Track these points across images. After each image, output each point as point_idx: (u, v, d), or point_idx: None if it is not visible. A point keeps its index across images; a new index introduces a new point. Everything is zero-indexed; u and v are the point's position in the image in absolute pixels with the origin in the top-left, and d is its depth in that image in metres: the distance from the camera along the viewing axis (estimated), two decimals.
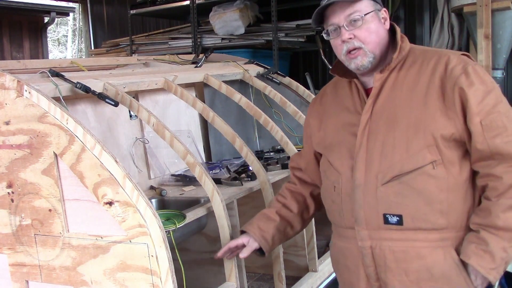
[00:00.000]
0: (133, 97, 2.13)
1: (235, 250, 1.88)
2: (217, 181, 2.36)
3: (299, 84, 3.29)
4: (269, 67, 3.24)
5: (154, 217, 1.54)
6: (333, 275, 2.41)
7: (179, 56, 3.32)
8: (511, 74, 4.51)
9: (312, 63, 5.69)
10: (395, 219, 1.54)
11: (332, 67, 1.75)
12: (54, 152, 1.66)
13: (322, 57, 5.24)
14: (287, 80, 3.27)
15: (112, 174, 1.56)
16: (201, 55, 3.16)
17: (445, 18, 4.41)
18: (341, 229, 1.70)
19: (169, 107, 2.98)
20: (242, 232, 1.88)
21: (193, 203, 2.24)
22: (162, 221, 1.60)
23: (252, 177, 2.52)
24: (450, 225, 1.53)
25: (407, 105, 1.55)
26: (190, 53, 4.73)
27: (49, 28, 8.81)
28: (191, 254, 2.41)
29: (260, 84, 3.00)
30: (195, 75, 2.74)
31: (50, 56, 11.69)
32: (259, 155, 3.09)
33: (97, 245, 1.64)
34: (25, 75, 2.07)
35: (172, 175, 2.78)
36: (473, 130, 1.48)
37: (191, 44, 5.31)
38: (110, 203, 1.58)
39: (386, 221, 1.55)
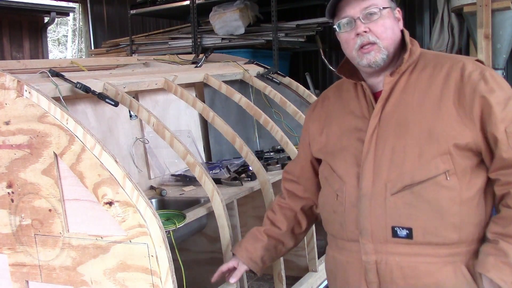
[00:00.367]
0: (133, 97, 2.13)
1: (229, 273, 1.81)
2: (217, 181, 2.36)
3: (299, 84, 3.29)
4: (269, 67, 3.24)
5: (154, 217, 1.54)
6: None
7: (179, 56, 3.32)
8: (511, 74, 4.51)
9: (312, 63, 5.69)
10: (404, 232, 1.44)
11: (338, 67, 1.66)
12: (54, 152, 1.66)
13: (322, 57, 5.23)
14: (287, 80, 3.27)
15: (112, 174, 1.56)
16: (201, 55, 3.16)
17: (445, 18, 4.41)
18: (342, 242, 1.59)
19: (169, 107, 2.98)
20: (234, 254, 1.83)
21: (193, 203, 2.24)
22: (162, 221, 1.60)
23: (252, 177, 2.52)
24: (461, 239, 1.44)
25: (419, 110, 1.46)
26: (190, 53, 4.73)
27: (49, 28, 8.81)
28: (191, 254, 2.41)
29: (260, 84, 3.00)
30: (195, 75, 2.74)
31: (50, 56, 11.69)
32: (259, 155, 3.09)
33: (97, 245, 1.64)
34: (25, 75, 2.07)
35: (172, 175, 2.78)
36: (499, 138, 1.39)
37: (191, 44, 5.31)
38: (110, 203, 1.58)
39: (394, 234, 1.45)
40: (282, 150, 3.13)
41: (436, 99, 1.46)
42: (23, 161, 1.73)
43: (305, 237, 2.64)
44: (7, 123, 1.74)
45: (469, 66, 1.47)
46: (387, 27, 1.50)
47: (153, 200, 2.46)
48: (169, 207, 2.37)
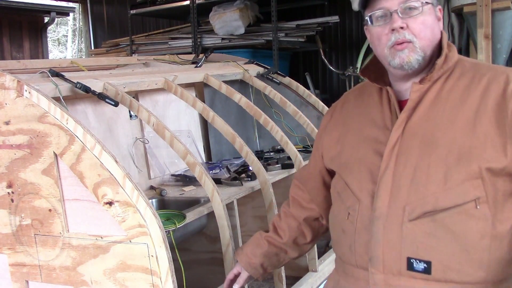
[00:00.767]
0: (133, 97, 2.13)
1: (235, 279, 1.75)
2: (217, 181, 2.36)
3: (299, 84, 3.29)
4: (269, 67, 3.24)
5: (154, 217, 1.54)
6: None
7: (179, 56, 3.31)
8: None
9: (312, 63, 5.69)
10: (421, 265, 1.26)
11: (362, 68, 1.49)
12: (54, 152, 1.66)
13: (322, 57, 5.24)
14: (287, 80, 3.27)
15: (112, 174, 1.56)
16: (201, 55, 3.16)
17: (445, 18, 4.41)
18: (349, 267, 1.41)
19: (169, 107, 2.98)
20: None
21: (193, 203, 2.24)
22: (162, 221, 1.60)
23: (252, 177, 2.52)
24: (489, 278, 1.25)
25: (450, 126, 1.28)
26: (190, 53, 4.73)
27: (49, 28, 8.81)
28: (191, 254, 2.41)
29: (260, 84, 3.00)
30: (195, 75, 2.74)
31: (50, 56, 11.69)
32: (259, 155, 3.09)
33: (97, 245, 1.64)
34: (25, 75, 2.07)
35: (172, 175, 2.78)
36: None
37: (191, 44, 5.31)
38: (110, 203, 1.58)
39: (410, 266, 1.27)
40: (282, 150, 3.13)
41: (471, 115, 1.27)
42: (23, 161, 1.73)
43: None
44: (7, 123, 1.74)
45: None
46: (427, 26, 1.32)
47: (153, 200, 2.46)
48: (169, 207, 2.37)
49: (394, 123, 1.35)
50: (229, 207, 2.16)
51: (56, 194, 1.69)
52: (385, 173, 1.32)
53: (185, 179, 2.66)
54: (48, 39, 9.71)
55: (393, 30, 1.32)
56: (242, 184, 2.46)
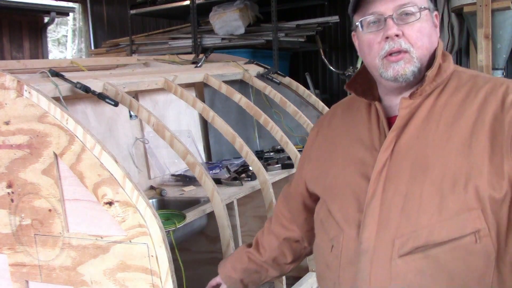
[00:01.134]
0: (133, 97, 2.13)
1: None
2: (217, 181, 2.36)
3: (299, 84, 3.29)
4: (269, 67, 3.24)
5: (154, 217, 1.54)
6: None
7: (179, 56, 3.31)
8: (511, 74, 4.51)
9: (312, 63, 5.69)
10: None
11: (349, 81, 1.33)
12: (54, 152, 1.66)
13: (322, 57, 5.23)
14: (287, 80, 3.27)
15: (112, 174, 1.56)
16: (201, 55, 3.16)
17: (445, 18, 4.41)
18: None
19: (169, 107, 2.98)
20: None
21: (193, 203, 2.24)
22: (162, 221, 1.60)
23: (252, 177, 2.52)
24: None
25: (444, 147, 1.13)
26: (190, 53, 4.73)
27: (49, 28, 8.81)
28: (191, 254, 2.41)
29: (260, 84, 3.00)
30: (195, 75, 2.74)
31: (50, 56, 11.68)
32: (259, 155, 3.09)
33: (97, 245, 1.64)
34: (25, 75, 2.07)
35: (172, 175, 2.78)
36: None
37: (191, 44, 5.31)
38: (110, 203, 1.58)
39: None
40: (282, 150, 3.13)
41: (466, 133, 1.12)
42: (23, 161, 1.73)
43: None
44: (7, 123, 1.74)
45: None
46: (424, 34, 1.19)
47: (153, 200, 2.46)
48: (169, 207, 2.37)
49: (382, 143, 1.20)
50: (229, 207, 2.16)
51: (56, 194, 1.69)
52: (372, 200, 1.16)
53: (185, 179, 2.66)
54: (48, 39, 9.70)
55: (387, 38, 1.18)
56: (242, 184, 2.46)
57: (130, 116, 2.72)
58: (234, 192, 2.34)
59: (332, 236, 1.25)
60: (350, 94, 1.37)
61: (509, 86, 1.15)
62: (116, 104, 2.04)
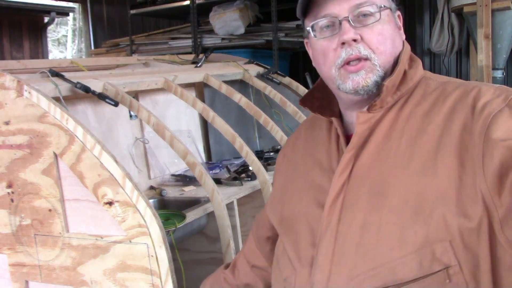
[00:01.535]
0: (133, 97, 2.14)
1: None
2: (217, 181, 2.36)
3: (299, 84, 3.29)
4: (269, 67, 3.24)
5: (154, 217, 1.54)
6: None
7: (179, 56, 3.31)
8: (511, 74, 4.51)
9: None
10: None
11: (303, 96, 1.16)
12: (54, 152, 1.66)
13: None
14: (287, 80, 3.27)
15: (112, 174, 1.56)
16: (201, 55, 3.16)
17: (445, 18, 4.41)
18: None
19: (169, 107, 2.98)
20: None
21: (193, 203, 2.24)
22: (162, 221, 1.60)
23: (252, 177, 2.52)
24: None
25: (405, 167, 0.93)
26: (190, 53, 4.73)
27: (49, 28, 8.81)
28: (191, 254, 2.41)
29: (260, 84, 3.00)
30: (195, 75, 2.74)
31: (50, 56, 11.69)
32: (259, 155, 3.09)
33: (97, 245, 1.64)
34: (25, 75, 2.07)
35: (172, 175, 2.78)
36: None
37: (191, 44, 5.31)
38: (110, 203, 1.58)
39: None
40: None
41: (431, 150, 0.93)
42: (23, 161, 1.73)
43: None
44: (7, 123, 1.74)
45: (488, 92, 0.93)
46: (387, 37, 1.02)
47: (153, 200, 2.46)
48: (169, 207, 2.37)
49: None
50: (229, 207, 2.16)
51: (56, 194, 1.69)
52: (326, 233, 0.98)
53: (185, 179, 2.66)
54: (48, 39, 9.71)
55: (343, 44, 1.00)
56: (242, 184, 2.46)
57: (130, 116, 2.72)
58: (234, 192, 2.34)
59: (285, 276, 1.08)
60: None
61: (481, 89, 0.94)
62: (116, 104, 2.04)
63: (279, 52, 4.75)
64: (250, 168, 2.58)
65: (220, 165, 2.79)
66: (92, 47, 7.58)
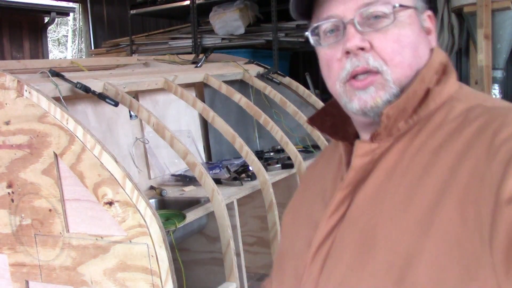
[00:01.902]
0: (133, 97, 2.14)
1: None
2: (217, 181, 2.36)
3: (299, 84, 3.29)
4: (269, 67, 3.24)
5: (154, 217, 1.54)
6: None
7: (179, 56, 3.32)
8: (511, 74, 4.51)
9: (312, 63, 5.69)
10: None
11: (314, 113, 0.94)
12: (54, 152, 1.66)
13: None
14: (287, 80, 3.27)
15: (112, 174, 1.56)
16: (201, 55, 3.17)
17: (445, 18, 4.41)
18: None
19: (169, 107, 2.98)
20: None
21: (193, 203, 2.24)
22: (162, 221, 1.60)
23: (252, 177, 2.52)
24: None
25: (399, 218, 0.73)
26: (190, 53, 4.73)
27: (49, 28, 8.81)
28: (191, 254, 2.41)
29: (260, 84, 3.00)
30: (195, 75, 2.74)
31: (50, 56, 11.70)
32: (259, 155, 3.09)
33: (97, 245, 1.64)
34: (25, 75, 2.07)
35: (172, 175, 2.78)
36: None
37: (191, 44, 5.31)
38: (110, 203, 1.58)
39: None
40: (282, 150, 3.13)
41: (431, 200, 0.71)
42: (23, 161, 1.73)
43: None
44: (7, 123, 1.74)
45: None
46: (405, 44, 0.79)
47: (153, 200, 2.46)
48: (169, 207, 2.37)
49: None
50: (229, 207, 2.16)
51: (56, 194, 1.69)
52: (306, 284, 0.83)
53: (185, 179, 2.66)
54: (48, 39, 9.71)
55: (348, 53, 0.80)
56: (242, 184, 2.46)
57: (130, 116, 2.72)
58: (234, 192, 2.34)
59: None
60: None
61: (507, 118, 0.71)
62: (116, 104, 2.04)
63: (279, 52, 4.75)
64: (250, 168, 2.58)
65: (220, 165, 2.79)
66: (92, 47, 7.58)
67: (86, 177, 1.61)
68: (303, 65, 5.71)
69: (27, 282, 1.81)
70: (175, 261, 1.63)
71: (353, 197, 0.81)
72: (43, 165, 1.69)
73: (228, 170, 2.67)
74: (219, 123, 2.36)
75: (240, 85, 3.18)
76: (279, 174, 2.68)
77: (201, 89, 3.23)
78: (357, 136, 0.89)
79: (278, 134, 2.63)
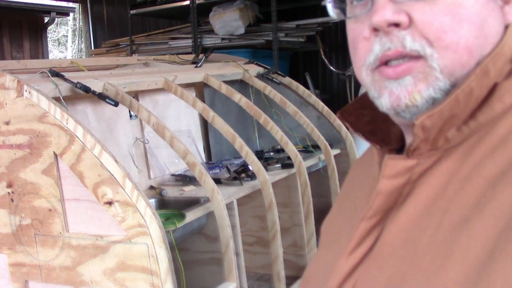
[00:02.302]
0: (133, 97, 2.14)
1: None
2: (217, 181, 2.36)
3: (299, 84, 3.30)
4: (269, 67, 3.24)
5: (154, 217, 1.54)
6: None
7: (179, 56, 3.32)
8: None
9: (312, 63, 5.69)
10: None
11: (345, 106, 0.69)
12: (54, 152, 1.66)
13: (322, 57, 5.24)
14: (287, 80, 3.28)
15: (112, 174, 1.56)
16: (201, 55, 3.17)
17: None
18: None
19: (169, 107, 2.98)
20: None
21: (193, 203, 2.24)
22: (162, 221, 1.60)
23: (252, 177, 2.52)
24: None
25: (434, 275, 0.51)
26: (190, 53, 4.73)
27: (49, 28, 8.81)
28: (191, 254, 2.41)
29: (260, 84, 3.00)
30: (195, 75, 2.74)
31: (50, 56, 11.70)
32: (259, 155, 3.09)
33: (97, 245, 1.64)
34: (25, 75, 2.07)
35: (172, 175, 2.78)
36: None
37: (191, 44, 5.31)
38: (110, 203, 1.58)
39: None
40: (282, 150, 3.14)
41: (479, 255, 0.48)
42: (23, 161, 1.73)
43: (304, 236, 2.65)
44: (7, 123, 1.74)
45: None
46: (462, 17, 0.54)
47: (153, 200, 2.46)
48: (169, 207, 2.37)
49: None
50: (229, 207, 2.16)
51: (56, 194, 1.69)
52: None
53: (185, 179, 2.66)
54: (48, 39, 9.71)
55: (376, 30, 0.57)
56: (242, 184, 2.47)
57: (130, 116, 2.72)
58: (234, 192, 2.34)
59: None
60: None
61: None
62: (116, 104, 2.04)
63: (279, 52, 4.75)
64: (250, 168, 2.58)
65: (220, 165, 2.79)
66: (92, 47, 7.58)
67: (86, 177, 1.61)
68: (303, 65, 5.71)
69: (26, 282, 1.82)
70: (175, 261, 1.63)
71: (384, 228, 0.60)
72: (43, 165, 1.69)
73: (228, 170, 2.67)
74: (219, 123, 2.36)
75: (240, 85, 3.18)
76: (279, 174, 2.68)
77: (201, 89, 3.23)
78: (402, 138, 0.66)
79: (278, 134, 2.63)
